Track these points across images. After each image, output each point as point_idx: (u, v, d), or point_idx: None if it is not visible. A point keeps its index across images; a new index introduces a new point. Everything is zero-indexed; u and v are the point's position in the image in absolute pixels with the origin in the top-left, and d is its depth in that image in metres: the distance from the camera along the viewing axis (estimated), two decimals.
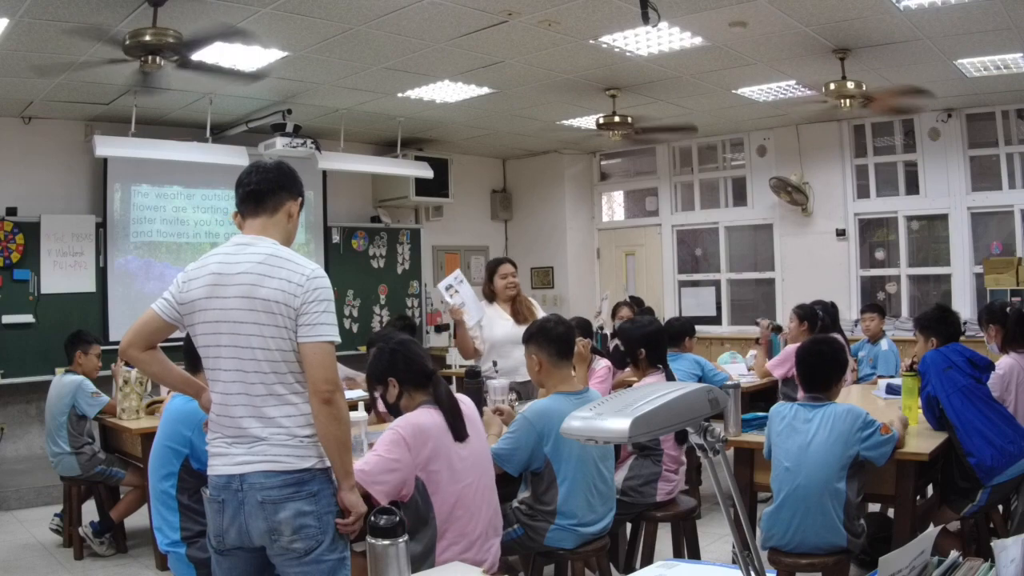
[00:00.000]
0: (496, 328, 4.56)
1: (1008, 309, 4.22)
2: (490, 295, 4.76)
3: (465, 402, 2.71)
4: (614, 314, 6.69)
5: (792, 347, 5.18)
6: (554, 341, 3.02)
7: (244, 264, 2.17)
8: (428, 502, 2.46)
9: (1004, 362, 3.91)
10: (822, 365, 3.09)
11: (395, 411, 2.63)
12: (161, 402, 4.55)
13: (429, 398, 2.58)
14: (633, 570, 2.69)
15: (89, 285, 6.74)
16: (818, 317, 5.39)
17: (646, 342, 3.85)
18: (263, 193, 2.28)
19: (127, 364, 2.24)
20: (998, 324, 4.08)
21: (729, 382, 4.18)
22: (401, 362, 2.60)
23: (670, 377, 3.84)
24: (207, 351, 2.19)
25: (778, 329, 5.67)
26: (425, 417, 2.52)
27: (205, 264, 2.23)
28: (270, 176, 2.30)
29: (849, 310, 7.70)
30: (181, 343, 2.82)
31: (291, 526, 2.09)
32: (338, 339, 2.19)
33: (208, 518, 2.21)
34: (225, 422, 2.17)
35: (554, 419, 2.81)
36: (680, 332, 5.04)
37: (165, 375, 2.37)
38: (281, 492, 2.10)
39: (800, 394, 3.20)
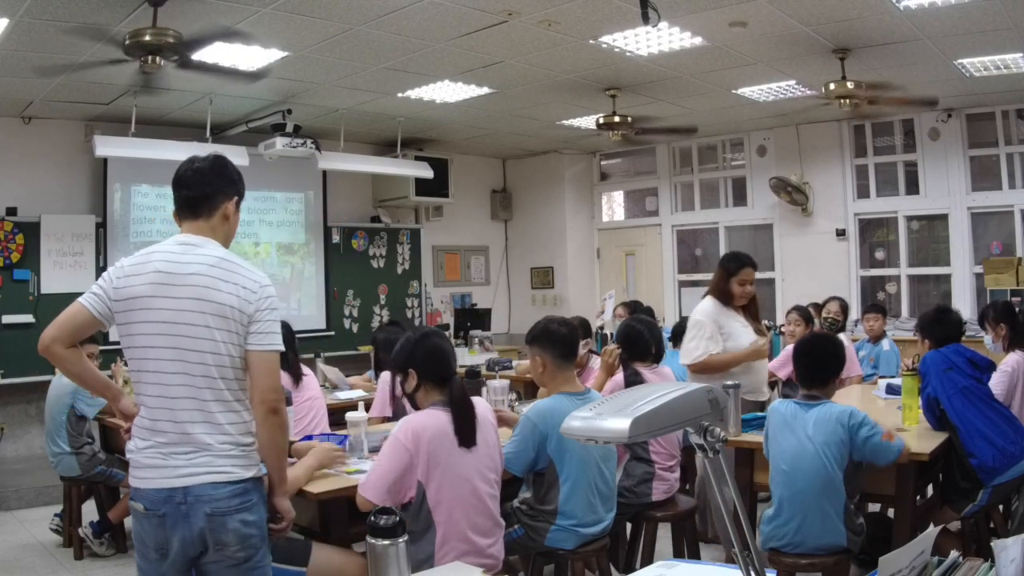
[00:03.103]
0: (743, 339, 4.01)
1: (1017, 310, 4.21)
2: (723, 296, 4.08)
3: (480, 405, 2.69)
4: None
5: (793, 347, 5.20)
6: (558, 343, 3.01)
7: (195, 266, 2.12)
8: (427, 506, 2.46)
9: (1011, 359, 3.89)
10: (819, 360, 3.07)
11: (412, 401, 2.67)
12: None
13: (444, 398, 2.58)
14: (633, 570, 2.69)
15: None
16: (812, 317, 5.48)
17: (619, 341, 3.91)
18: (195, 200, 2.21)
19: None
20: (1007, 322, 4.06)
21: (729, 381, 4.17)
22: (421, 355, 2.61)
23: (629, 382, 3.72)
24: (145, 352, 2.11)
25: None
26: (428, 420, 2.52)
27: (146, 261, 2.15)
28: (203, 178, 2.22)
29: (849, 310, 7.69)
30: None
31: (238, 536, 2.08)
32: (283, 348, 2.19)
33: (143, 532, 2.11)
34: (165, 427, 2.08)
35: (557, 419, 2.80)
36: (680, 331, 5.14)
37: (85, 376, 2.27)
38: (229, 503, 2.07)
39: (801, 392, 3.19)
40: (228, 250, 2.22)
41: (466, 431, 2.55)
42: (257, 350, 2.12)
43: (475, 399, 2.71)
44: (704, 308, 4.09)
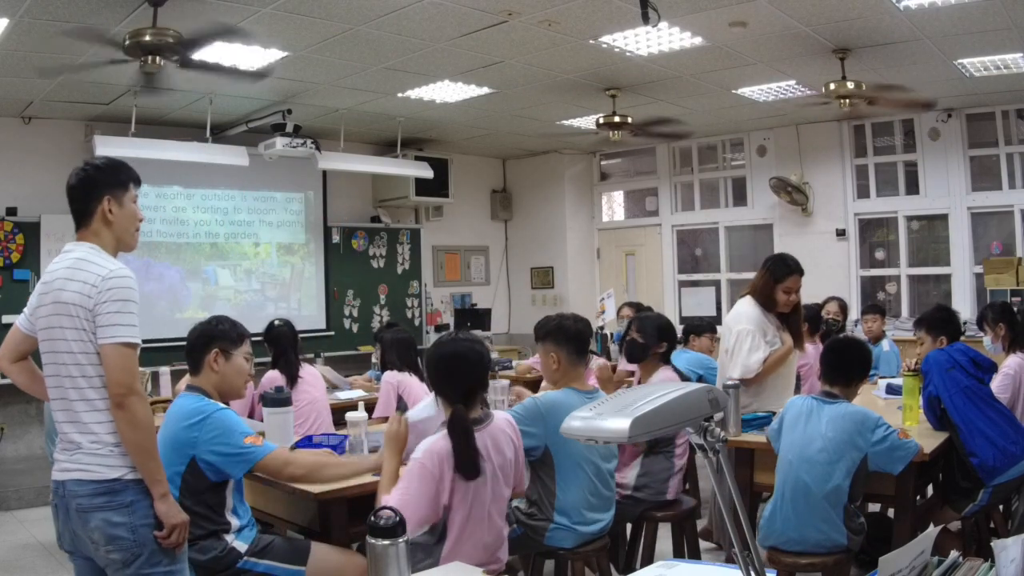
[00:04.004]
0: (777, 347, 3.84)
1: (1016, 310, 4.22)
2: (766, 302, 3.85)
3: (499, 418, 2.58)
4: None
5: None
6: (573, 339, 3.00)
7: (57, 271, 2.19)
8: (445, 523, 2.42)
9: (1012, 362, 3.89)
10: (844, 363, 3.08)
11: None
12: (162, 402, 4.55)
13: None
14: (633, 570, 2.69)
15: None
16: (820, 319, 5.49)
17: (666, 336, 3.74)
18: (74, 213, 2.26)
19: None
20: (1006, 322, 4.07)
21: (730, 381, 4.17)
22: (443, 372, 2.50)
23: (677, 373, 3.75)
24: (43, 357, 2.23)
25: None
26: (444, 444, 2.39)
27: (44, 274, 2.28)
28: (74, 194, 2.25)
29: (848, 310, 7.69)
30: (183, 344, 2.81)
31: (104, 536, 2.10)
32: (136, 340, 2.12)
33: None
34: (58, 427, 2.20)
35: (563, 412, 2.77)
36: (686, 330, 5.48)
37: (32, 386, 2.39)
38: (91, 501, 2.11)
39: (821, 388, 3.19)
40: (95, 248, 2.19)
41: (465, 464, 2.36)
42: (102, 343, 2.10)
43: (496, 412, 2.60)
44: (748, 314, 3.84)
